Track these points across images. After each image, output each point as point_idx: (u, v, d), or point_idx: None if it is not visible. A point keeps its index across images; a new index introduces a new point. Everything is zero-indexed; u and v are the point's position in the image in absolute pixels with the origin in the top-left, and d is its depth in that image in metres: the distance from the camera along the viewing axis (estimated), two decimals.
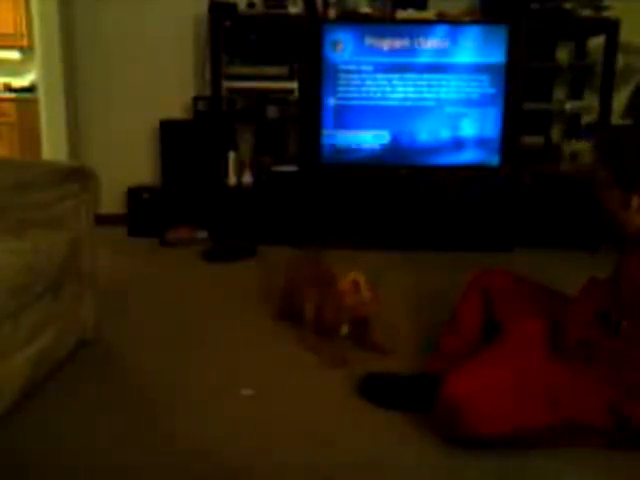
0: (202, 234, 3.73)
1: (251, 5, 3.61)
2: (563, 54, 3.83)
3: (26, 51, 5.13)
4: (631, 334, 1.48)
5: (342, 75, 3.48)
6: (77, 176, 1.98)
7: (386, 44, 3.45)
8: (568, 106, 3.68)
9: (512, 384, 1.46)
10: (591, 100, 3.70)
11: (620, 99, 3.64)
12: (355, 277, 2.05)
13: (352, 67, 3.48)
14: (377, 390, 1.73)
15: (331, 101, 3.51)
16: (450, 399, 1.44)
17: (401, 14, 3.50)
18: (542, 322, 1.65)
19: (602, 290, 1.60)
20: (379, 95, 3.49)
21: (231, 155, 3.69)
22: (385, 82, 3.48)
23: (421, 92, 3.49)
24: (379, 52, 3.46)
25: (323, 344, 2.09)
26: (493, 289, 1.86)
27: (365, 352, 2.10)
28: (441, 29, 3.43)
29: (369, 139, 3.55)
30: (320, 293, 2.16)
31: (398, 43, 3.45)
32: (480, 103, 3.49)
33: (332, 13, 3.51)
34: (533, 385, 1.47)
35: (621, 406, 1.46)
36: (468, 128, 3.52)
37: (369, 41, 3.45)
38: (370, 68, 3.47)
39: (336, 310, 2.08)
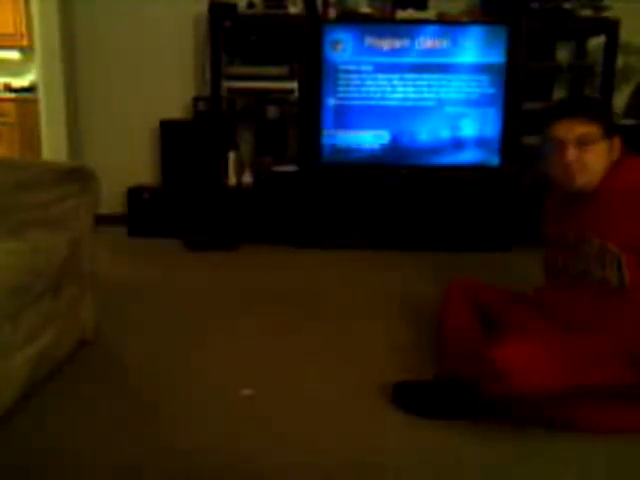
0: None
1: (251, 5, 3.61)
2: (563, 54, 3.84)
3: (26, 51, 5.13)
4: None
5: (342, 75, 3.48)
6: (77, 176, 1.98)
7: (386, 44, 3.45)
8: None
9: (559, 347, 1.56)
10: None
11: (620, 99, 3.64)
12: None
13: (352, 67, 3.48)
14: (413, 399, 1.71)
15: (331, 101, 3.51)
16: (500, 361, 1.51)
17: (401, 14, 3.50)
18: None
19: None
20: (379, 95, 3.49)
21: (231, 155, 3.69)
22: (385, 82, 3.48)
23: (421, 92, 3.48)
24: (379, 52, 3.45)
25: None
26: (479, 292, 1.95)
27: None
28: (441, 29, 3.43)
29: (369, 139, 3.55)
30: None
31: (398, 43, 3.44)
32: (480, 103, 3.49)
33: (332, 13, 3.51)
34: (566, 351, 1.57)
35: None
36: (468, 128, 3.52)
37: (369, 41, 3.45)
38: (370, 68, 3.47)
39: None
